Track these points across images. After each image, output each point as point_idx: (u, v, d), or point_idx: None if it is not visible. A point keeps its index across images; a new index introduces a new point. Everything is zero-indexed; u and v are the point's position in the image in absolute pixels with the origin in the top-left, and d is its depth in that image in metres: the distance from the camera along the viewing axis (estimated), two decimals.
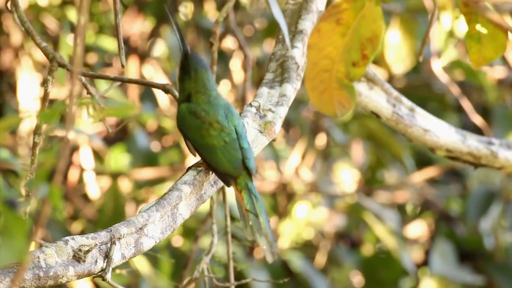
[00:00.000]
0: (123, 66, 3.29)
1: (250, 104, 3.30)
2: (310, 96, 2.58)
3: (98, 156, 5.94)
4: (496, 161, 3.79)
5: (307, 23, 3.42)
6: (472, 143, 3.77)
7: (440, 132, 3.73)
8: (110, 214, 5.64)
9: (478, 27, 2.78)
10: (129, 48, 5.94)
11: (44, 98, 3.28)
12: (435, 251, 6.26)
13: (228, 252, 3.77)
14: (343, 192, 6.33)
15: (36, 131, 3.25)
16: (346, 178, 6.56)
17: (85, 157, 5.87)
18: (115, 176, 5.84)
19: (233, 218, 5.71)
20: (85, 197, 5.94)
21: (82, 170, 5.91)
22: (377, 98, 3.63)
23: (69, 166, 5.92)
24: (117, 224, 2.96)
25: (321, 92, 2.57)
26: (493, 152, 3.77)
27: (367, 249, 6.45)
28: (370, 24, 2.58)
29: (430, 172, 6.54)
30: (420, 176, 6.52)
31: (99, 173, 5.89)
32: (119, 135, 6.05)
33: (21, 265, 2.49)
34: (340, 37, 2.57)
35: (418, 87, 6.38)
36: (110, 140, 6.04)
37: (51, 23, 5.63)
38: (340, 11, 2.57)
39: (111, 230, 2.93)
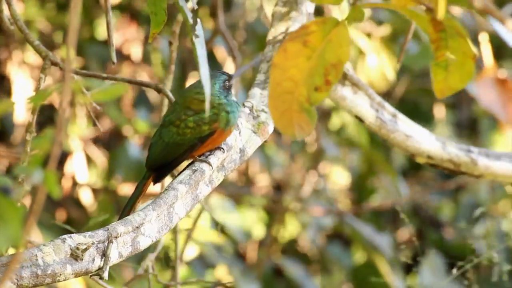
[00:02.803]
0: (113, 63, 3.32)
1: (243, 104, 3.34)
2: (271, 114, 2.54)
3: (91, 163, 5.96)
4: (475, 169, 3.78)
5: (297, 26, 3.44)
6: (452, 150, 3.77)
7: (422, 138, 3.73)
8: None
9: (447, 54, 2.68)
10: (122, 55, 5.97)
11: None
12: (424, 264, 6.28)
13: (175, 251, 3.80)
14: (334, 209, 6.35)
15: (28, 129, 3.27)
16: (338, 183, 6.59)
17: (78, 164, 5.89)
18: (108, 185, 5.86)
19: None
20: (78, 204, 5.95)
21: (75, 178, 5.92)
22: (361, 103, 3.64)
23: (62, 174, 5.94)
24: (114, 223, 2.99)
25: (282, 113, 2.54)
26: (473, 159, 3.77)
27: (358, 256, 6.47)
28: (336, 49, 2.55)
29: (421, 180, 6.59)
30: (412, 184, 6.57)
31: (92, 182, 5.91)
32: (112, 142, 6.07)
33: (15, 254, 2.48)
34: (305, 60, 2.54)
35: (413, 92, 6.43)
36: (104, 147, 6.06)
37: (45, 28, 5.66)
38: (308, 32, 2.54)
39: (108, 229, 2.95)
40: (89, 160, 5.99)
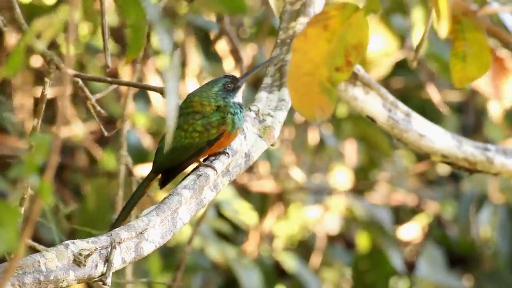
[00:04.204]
0: (108, 67, 3.29)
1: (249, 108, 3.32)
2: (291, 98, 2.59)
3: (91, 156, 5.95)
4: (492, 167, 3.78)
5: None
6: (467, 149, 3.76)
7: (436, 137, 3.73)
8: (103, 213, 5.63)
9: (465, 45, 2.76)
10: (124, 47, 5.94)
11: (41, 99, 3.27)
12: (422, 257, 6.28)
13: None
14: (335, 190, 6.34)
15: (32, 134, 3.25)
16: (340, 177, 6.58)
17: (78, 157, 5.87)
18: (108, 175, 5.84)
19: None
20: (79, 197, 5.95)
21: (76, 170, 5.91)
22: (373, 103, 3.63)
23: (63, 166, 5.92)
24: (117, 228, 2.97)
25: (302, 95, 2.57)
26: (489, 158, 3.77)
27: (359, 249, 6.48)
28: (356, 32, 2.58)
29: (423, 167, 6.57)
30: (413, 171, 6.56)
31: (92, 173, 5.90)
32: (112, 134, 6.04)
33: (13, 257, 2.46)
34: (325, 43, 2.57)
35: (415, 89, 6.41)
36: (104, 139, 6.05)
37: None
38: (328, 17, 2.57)
39: (111, 235, 2.93)
40: (89, 153, 5.98)
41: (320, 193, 6.24)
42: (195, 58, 5.76)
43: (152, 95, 5.96)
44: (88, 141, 5.98)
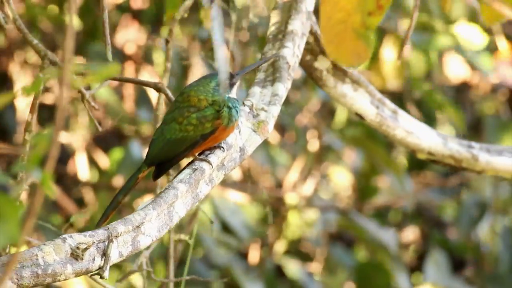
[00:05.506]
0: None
1: (243, 103, 3.34)
2: (326, 49, 2.58)
3: (93, 161, 5.98)
4: (477, 165, 3.79)
5: (297, 23, 3.41)
6: (453, 146, 3.78)
7: (422, 135, 3.75)
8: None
9: None
10: (124, 55, 5.98)
11: (36, 95, 3.29)
12: (429, 261, 6.28)
13: (170, 248, 3.81)
14: (338, 206, 6.35)
15: (27, 128, 3.28)
16: (341, 183, 6.59)
17: (80, 163, 5.90)
18: (109, 182, 5.87)
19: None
20: (80, 202, 5.97)
21: (77, 175, 5.94)
22: (361, 100, 3.64)
23: (65, 172, 5.95)
24: (114, 222, 2.98)
25: (337, 44, 2.59)
26: (474, 155, 3.78)
27: (361, 255, 6.48)
28: None
29: (424, 178, 6.59)
30: (415, 183, 6.57)
31: (94, 180, 5.93)
32: (114, 140, 6.08)
33: (15, 253, 2.48)
34: None
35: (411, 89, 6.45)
36: (106, 145, 6.08)
37: (47, 27, 5.68)
38: None
39: (108, 228, 2.95)
40: (91, 160, 6.00)
41: (325, 210, 6.25)
42: (199, 61, 5.79)
43: (155, 99, 5.98)
44: (91, 147, 6.02)
